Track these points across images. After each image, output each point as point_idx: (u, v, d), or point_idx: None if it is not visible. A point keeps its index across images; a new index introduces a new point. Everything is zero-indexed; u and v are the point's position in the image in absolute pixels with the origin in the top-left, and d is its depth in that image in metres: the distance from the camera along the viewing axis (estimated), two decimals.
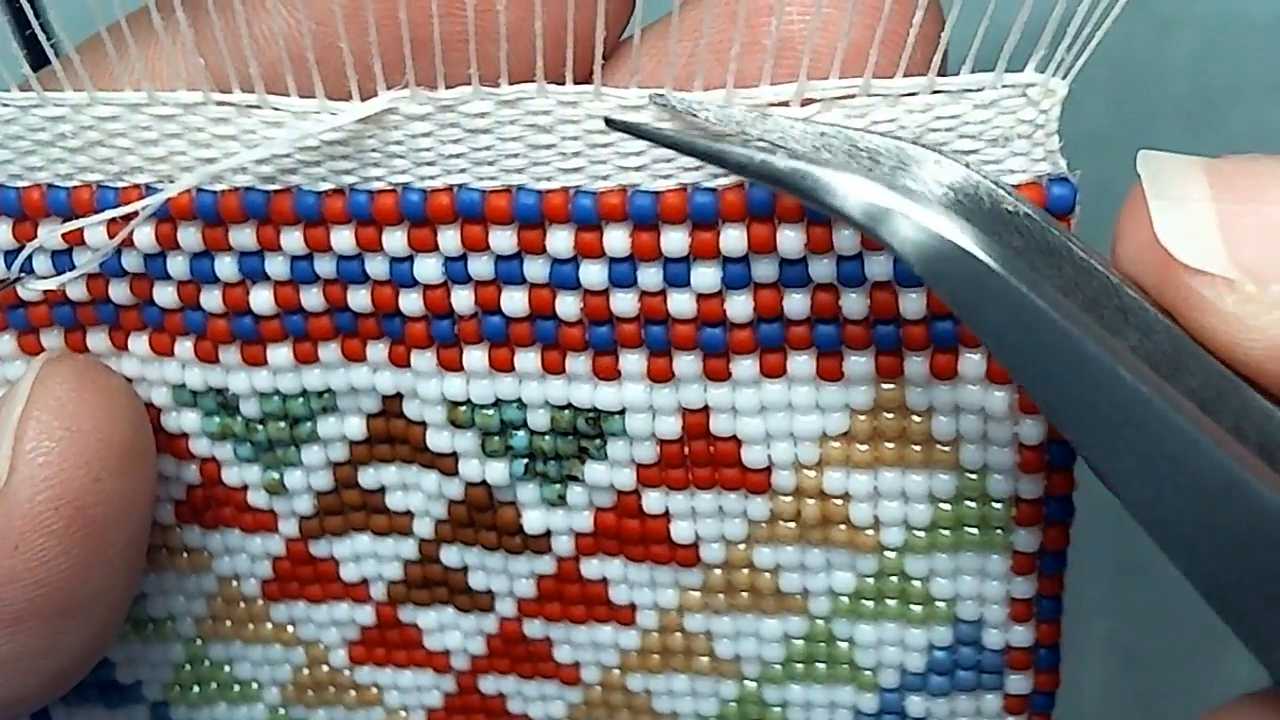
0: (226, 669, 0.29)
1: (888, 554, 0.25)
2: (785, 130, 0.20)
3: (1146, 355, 0.19)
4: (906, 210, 0.17)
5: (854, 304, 0.22)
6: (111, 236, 0.23)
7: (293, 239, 0.23)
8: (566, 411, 0.24)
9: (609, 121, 0.21)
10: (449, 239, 0.23)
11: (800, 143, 0.20)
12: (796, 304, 0.23)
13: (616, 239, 0.22)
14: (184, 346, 0.25)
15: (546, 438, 0.25)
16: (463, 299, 0.23)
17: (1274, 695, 0.21)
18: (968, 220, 0.19)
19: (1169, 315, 0.19)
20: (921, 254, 0.17)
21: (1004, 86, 0.21)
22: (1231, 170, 0.20)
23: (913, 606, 0.26)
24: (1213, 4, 0.38)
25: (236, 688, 0.29)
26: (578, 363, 0.24)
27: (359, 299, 0.24)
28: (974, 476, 0.24)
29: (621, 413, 0.24)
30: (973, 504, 0.24)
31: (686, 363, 0.23)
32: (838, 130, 0.20)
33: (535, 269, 0.23)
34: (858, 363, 0.23)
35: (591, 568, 0.26)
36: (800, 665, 0.27)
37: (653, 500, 0.25)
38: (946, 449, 0.24)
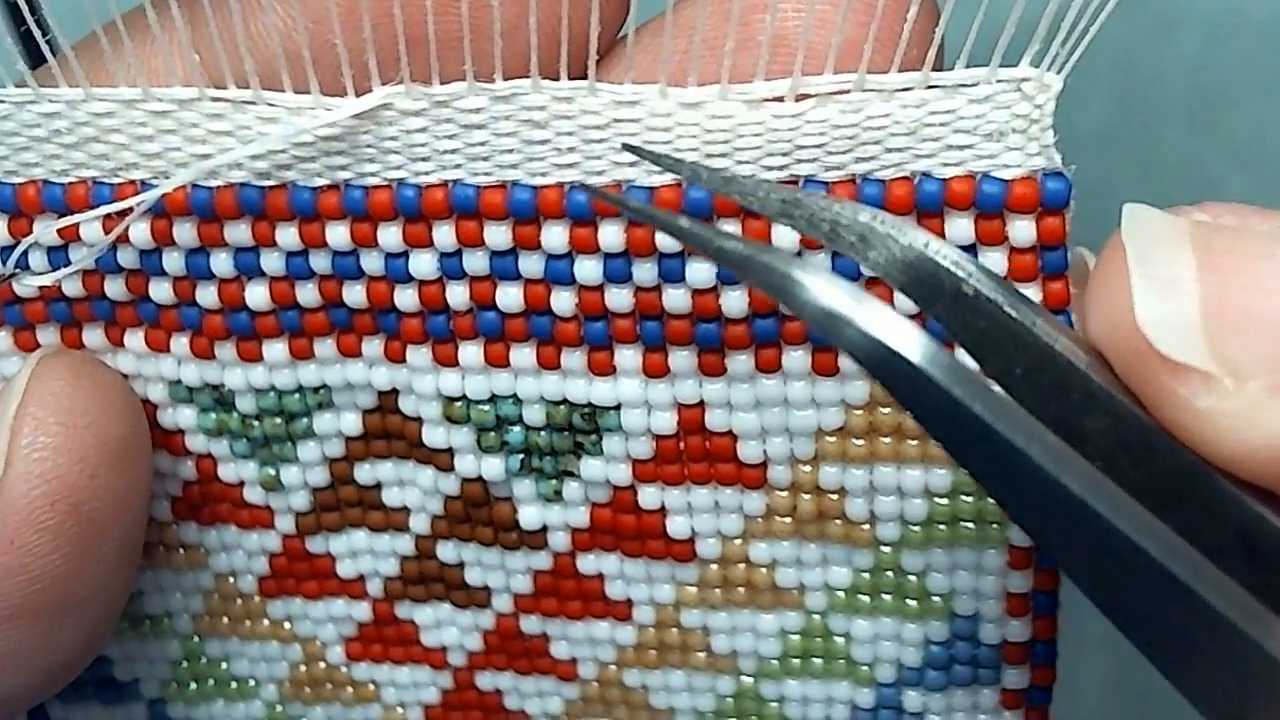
0: (223, 666, 0.29)
1: (884, 549, 0.25)
2: (752, 190, 0.20)
3: (1116, 438, 0.19)
4: (857, 317, 0.17)
5: None
6: (107, 232, 0.23)
7: (288, 235, 0.23)
8: (562, 407, 0.24)
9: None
10: (444, 234, 0.23)
11: (766, 205, 0.20)
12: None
13: (611, 234, 0.22)
14: (180, 342, 0.25)
15: (542, 433, 0.25)
16: (458, 294, 0.23)
17: None
18: (926, 302, 0.19)
19: (1137, 400, 0.19)
20: (870, 361, 0.17)
21: (999, 81, 0.21)
22: (1222, 246, 0.19)
23: (909, 601, 0.26)
24: (1213, 4, 0.38)
25: (234, 685, 0.29)
26: (573, 358, 0.24)
27: (354, 295, 0.24)
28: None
29: (617, 408, 0.24)
30: (969, 499, 0.24)
31: (682, 358, 0.23)
32: (804, 196, 0.20)
33: (530, 264, 0.23)
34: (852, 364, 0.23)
35: (588, 563, 0.26)
36: (797, 660, 0.27)
37: (649, 496, 0.25)
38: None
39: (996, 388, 0.21)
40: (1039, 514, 0.18)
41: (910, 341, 0.17)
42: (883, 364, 0.17)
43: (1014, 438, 0.17)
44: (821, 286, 0.17)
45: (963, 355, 0.20)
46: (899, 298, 0.21)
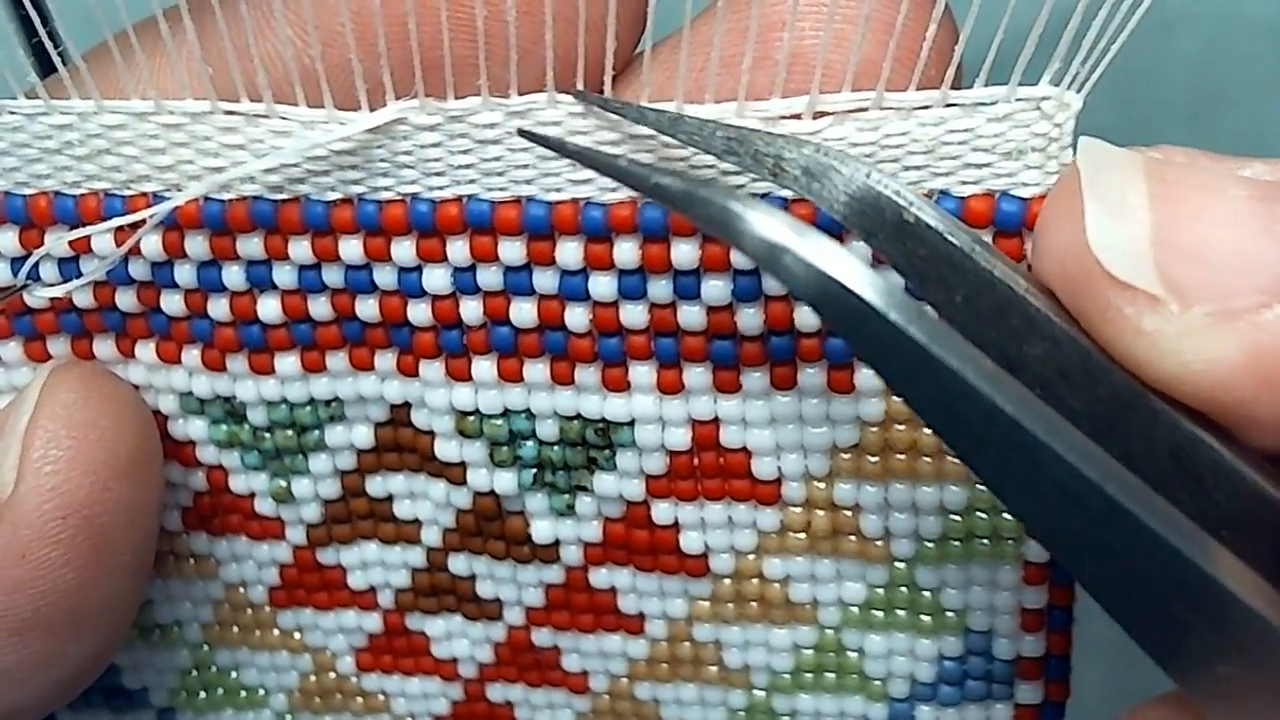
0: (233, 675, 0.29)
1: (898, 565, 0.25)
2: (697, 130, 0.20)
3: (1055, 364, 0.19)
4: (797, 247, 0.17)
5: None
6: (119, 245, 0.23)
7: (300, 248, 0.23)
8: (575, 422, 0.24)
9: (522, 133, 0.21)
10: (458, 249, 0.22)
11: (711, 144, 0.20)
12: (807, 316, 0.22)
13: (626, 251, 0.22)
14: (191, 355, 0.25)
15: (555, 448, 0.24)
16: (471, 309, 0.23)
17: (1179, 696, 0.21)
18: (868, 232, 0.19)
19: (1075, 324, 0.19)
20: (809, 290, 0.17)
21: (1018, 100, 0.21)
22: (1174, 178, 0.19)
23: (923, 617, 0.26)
24: (1213, 4, 0.38)
25: (243, 694, 0.29)
26: (587, 374, 0.23)
27: (367, 308, 0.23)
28: (985, 487, 0.24)
29: (631, 424, 0.24)
30: (984, 515, 0.24)
31: (696, 375, 0.23)
32: (749, 133, 0.20)
33: (544, 280, 0.23)
34: (868, 374, 0.23)
35: (600, 577, 0.26)
36: (810, 675, 0.27)
37: (662, 511, 0.25)
38: (957, 460, 0.24)
39: (934, 314, 0.20)
40: (976, 441, 0.18)
41: (850, 269, 0.17)
42: (822, 293, 0.17)
43: (952, 362, 0.17)
44: (761, 219, 0.17)
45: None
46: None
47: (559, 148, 0.21)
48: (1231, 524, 0.19)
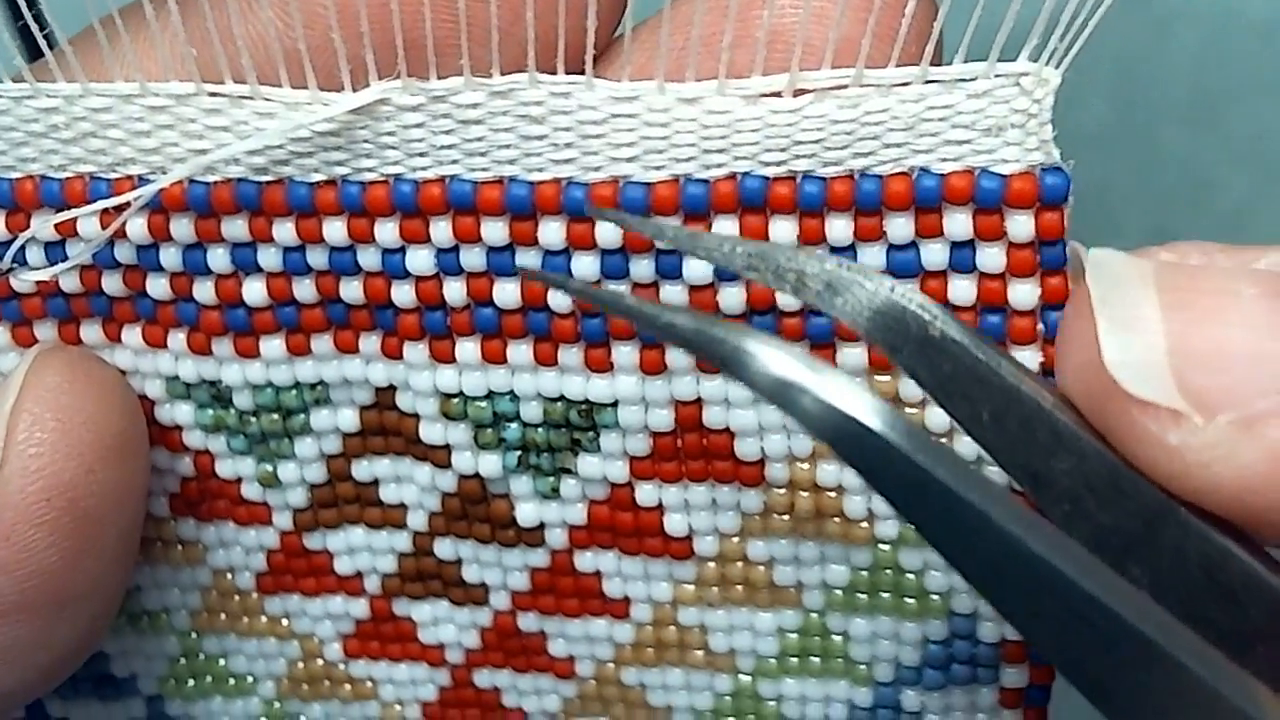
0: (221, 662, 0.29)
1: (882, 547, 0.25)
2: (716, 246, 0.20)
3: (1083, 478, 0.19)
4: (813, 385, 0.17)
5: None
6: (104, 227, 0.23)
7: (285, 230, 0.23)
8: (559, 404, 0.24)
9: (527, 272, 0.22)
10: (441, 230, 0.23)
11: (731, 261, 0.20)
12: (789, 297, 0.22)
13: (609, 230, 0.22)
14: (177, 338, 0.25)
15: (539, 430, 0.25)
16: (455, 290, 0.23)
17: None
18: (893, 348, 0.19)
19: (1102, 439, 0.19)
20: (825, 429, 0.17)
21: (997, 76, 0.21)
22: (1186, 284, 0.19)
23: (907, 600, 0.26)
24: (1213, 4, 0.38)
25: (231, 681, 0.29)
26: (570, 355, 0.24)
27: (351, 290, 0.23)
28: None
29: (614, 405, 0.24)
30: None
31: (679, 355, 0.23)
32: (769, 248, 0.20)
33: (527, 260, 0.23)
34: (851, 355, 0.23)
35: (585, 561, 0.26)
36: (795, 659, 0.27)
37: (646, 493, 0.25)
38: (941, 439, 0.24)
39: (959, 446, 0.21)
40: (1002, 579, 0.17)
41: (866, 407, 0.17)
42: (839, 431, 0.17)
43: (975, 500, 0.17)
44: (773, 355, 0.17)
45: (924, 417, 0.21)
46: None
47: (562, 285, 0.21)
48: (1266, 638, 0.18)
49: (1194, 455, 0.18)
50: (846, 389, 0.17)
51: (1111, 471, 0.19)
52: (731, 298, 0.23)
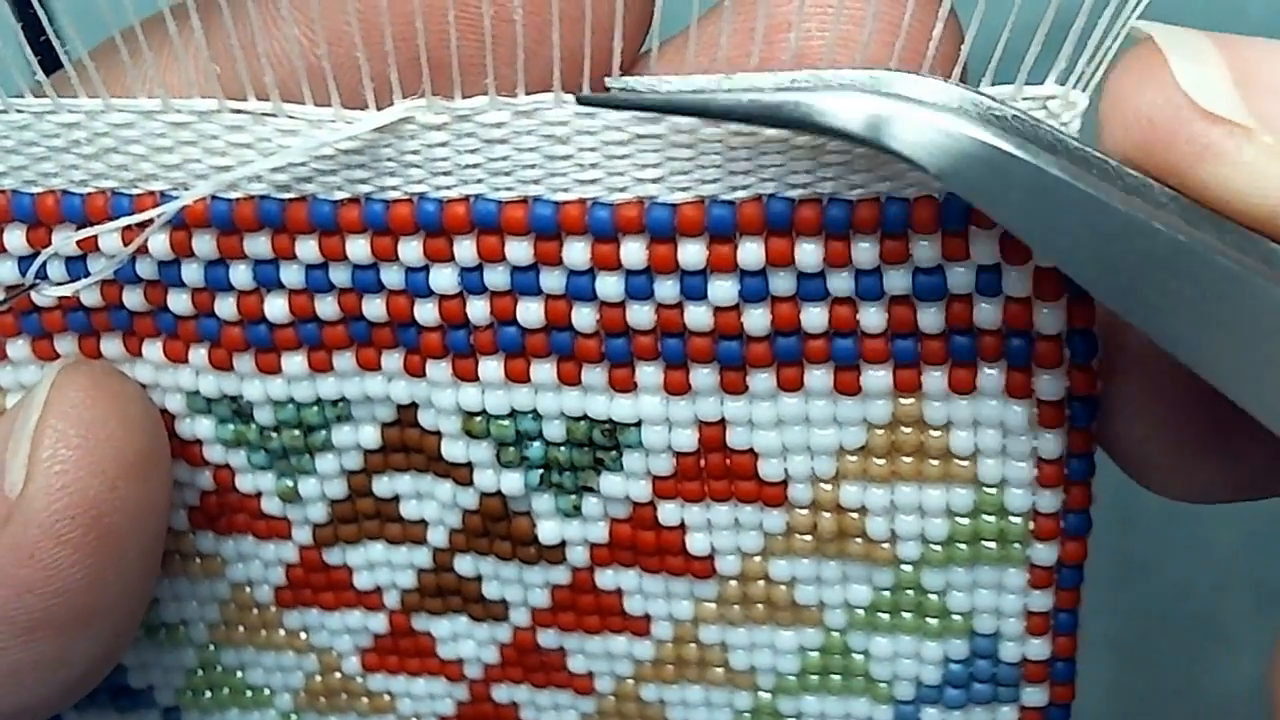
0: (239, 675, 0.29)
1: (904, 567, 0.25)
2: (751, 83, 0.20)
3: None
4: (908, 114, 0.17)
5: (872, 318, 0.22)
6: (126, 243, 0.23)
7: (308, 248, 0.23)
8: (582, 423, 0.24)
9: (580, 99, 0.21)
10: (465, 249, 0.22)
11: (749, 116, 0.20)
12: (814, 317, 0.22)
13: (633, 251, 0.22)
14: (198, 354, 0.25)
15: (562, 449, 0.24)
16: (478, 309, 0.23)
17: None
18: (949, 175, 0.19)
19: (1175, 189, 0.19)
20: (933, 153, 0.17)
21: (1024, 99, 0.21)
22: (1236, 40, 0.20)
23: (929, 619, 0.26)
24: (1213, 4, 0.38)
25: (248, 694, 0.29)
26: (594, 374, 0.23)
27: (374, 308, 0.23)
28: (992, 491, 0.24)
29: (638, 425, 0.24)
30: (990, 518, 0.24)
31: (703, 375, 0.23)
32: (804, 75, 0.20)
33: (551, 280, 0.23)
34: (875, 377, 0.23)
35: (606, 578, 0.26)
36: (815, 677, 0.27)
37: (668, 512, 0.25)
38: (964, 463, 0.24)
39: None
40: (1138, 273, 0.18)
41: (970, 124, 0.17)
42: (947, 152, 0.17)
43: (1103, 194, 0.18)
44: (856, 100, 0.18)
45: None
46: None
47: (631, 104, 0.21)
48: None
49: (1268, 170, 0.19)
50: (939, 111, 0.17)
51: (1187, 215, 0.19)
52: (756, 319, 0.22)
